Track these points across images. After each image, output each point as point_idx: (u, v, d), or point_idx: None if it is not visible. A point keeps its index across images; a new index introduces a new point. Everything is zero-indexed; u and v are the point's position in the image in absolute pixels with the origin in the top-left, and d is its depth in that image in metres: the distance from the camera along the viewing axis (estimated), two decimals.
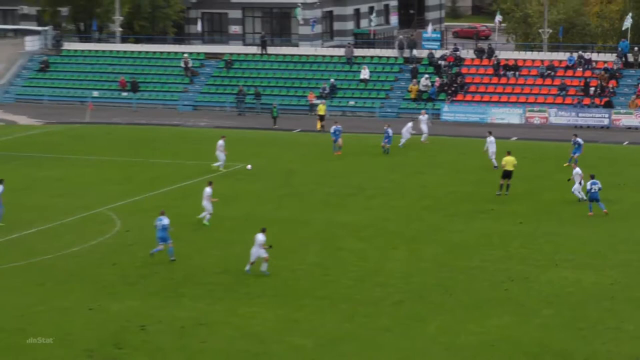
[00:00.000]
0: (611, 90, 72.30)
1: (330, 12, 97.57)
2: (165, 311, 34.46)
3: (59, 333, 32.06)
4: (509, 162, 49.33)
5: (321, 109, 70.73)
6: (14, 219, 47.56)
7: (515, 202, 50.31)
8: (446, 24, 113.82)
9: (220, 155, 54.61)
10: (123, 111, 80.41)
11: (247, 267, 37.13)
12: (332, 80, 77.71)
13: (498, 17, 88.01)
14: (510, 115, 72.04)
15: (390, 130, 60.32)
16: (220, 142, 54.69)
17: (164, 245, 39.31)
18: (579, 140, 54.97)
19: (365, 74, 77.81)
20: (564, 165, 56.45)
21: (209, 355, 30.77)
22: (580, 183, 47.17)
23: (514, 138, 65.37)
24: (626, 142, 65.21)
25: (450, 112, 73.52)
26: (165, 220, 39.49)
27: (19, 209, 49.56)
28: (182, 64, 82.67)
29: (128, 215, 48.10)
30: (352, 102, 77.24)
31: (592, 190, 45.43)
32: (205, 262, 40.99)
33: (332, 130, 61.24)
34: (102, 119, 76.83)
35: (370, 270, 39.62)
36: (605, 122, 70.25)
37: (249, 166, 52.08)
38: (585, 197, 46.66)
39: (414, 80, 75.87)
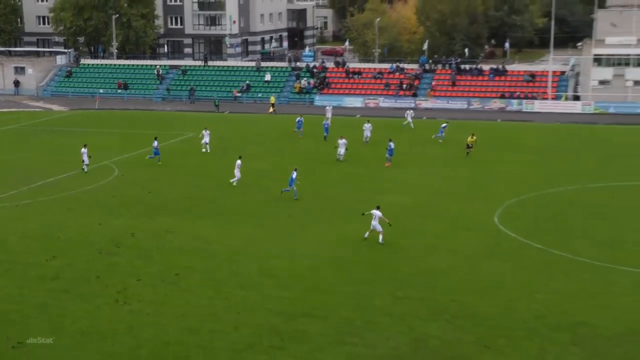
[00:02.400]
0: (416, 86, 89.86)
1: (246, 39, 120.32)
2: (147, 224, 41.77)
3: (80, 238, 39.25)
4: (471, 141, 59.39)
5: (272, 99, 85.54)
6: (50, 169, 55.74)
7: (362, 158, 58.59)
8: (317, 46, 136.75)
9: (237, 172, 50.66)
10: (119, 102, 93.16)
11: (366, 234, 38.34)
12: (247, 81, 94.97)
13: (347, 42, 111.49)
14: (356, 101, 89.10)
15: (302, 119, 69.20)
16: (238, 162, 50.85)
17: (291, 189, 45.94)
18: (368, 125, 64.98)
19: (268, 77, 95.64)
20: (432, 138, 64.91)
21: (172, 249, 37.55)
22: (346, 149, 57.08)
23: (358, 115, 78.27)
24: (425, 117, 77.79)
25: (320, 100, 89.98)
26: (294, 174, 45.96)
27: (54, 162, 57.93)
28: (155, 72, 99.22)
29: (123, 166, 56.65)
30: (259, 95, 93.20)
31: (388, 149, 55.78)
32: (173, 194, 48.45)
33: (298, 121, 68.85)
34: (106, 106, 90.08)
35: (275, 196, 46.92)
36: (412, 105, 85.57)
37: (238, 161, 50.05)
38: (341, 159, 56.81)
39: (298, 81, 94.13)
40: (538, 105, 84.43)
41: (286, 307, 30.71)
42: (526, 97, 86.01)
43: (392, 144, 56.02)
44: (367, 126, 64.91)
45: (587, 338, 27.96)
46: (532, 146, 63.84)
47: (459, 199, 47.29)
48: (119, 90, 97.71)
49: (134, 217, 43.61)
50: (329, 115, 73.28)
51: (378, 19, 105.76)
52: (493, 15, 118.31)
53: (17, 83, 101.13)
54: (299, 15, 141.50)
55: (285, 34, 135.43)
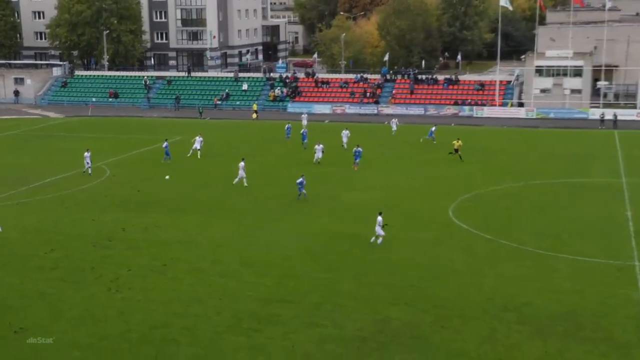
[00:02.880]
0: (378, 95, 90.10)
1: (225, 52, 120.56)
2: (136, 220, 41.80)
3: (76, 233, 39.17)
4: (455, 144, 58.09)
5: (255, 106, 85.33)
6: (47, 170, 55.47)
7: (336, 160, 56.21)
8: (289, 58, 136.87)
9: (241, 172, 49.59)
10: (110, 109, 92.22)
11: (372, 240, 36.78)
12: (226, 90, 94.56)
13: (315, 55, 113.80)
14: (324, 108, 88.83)
15: (290, 126, 67.49)
16: (242, 163, 49.76)
17: (302, 193, 45.00)
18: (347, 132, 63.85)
19: (245, 86, 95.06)
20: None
21: (160, 242, 37.64)
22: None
23: (327, 121, 78.36)
24: (386, 122, 77.01)
25: (292, 107, 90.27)
26: (302, 179, 44.75)
27: (50, 165, 57.68)
28: (143, 82, 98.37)
29: (114, 167, 56.37)
30: (238, 102, 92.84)
31: (356, 153, 54.66)
32: (161, 193, 48.21)
33: (287, 128, 66.55)
34: (98, 113, 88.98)
35: (248, 192, 47.02)
36: (375, 111, 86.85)
37: (167, 177, 46.42)
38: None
39: (272, 90, 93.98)
40: (487, 112, 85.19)
41: (263, 293, 30.80)
42: (476, 104, 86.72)
43: (360, 149, 55.27)
44: (345, 132, 64.09)
45: (531, 317, 28.36)
46: (482, 148, 64.27)
47: (417, 196, 47.61)
48: (110, 99, 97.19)
49: (125, 214, 43.57)
50: (304, 122, 72.62)
51: (344, 34, 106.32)
52: (446, 31, 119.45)
53: (16, 93, 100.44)
54: (272, 30, 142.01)
55: (260, 47, 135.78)
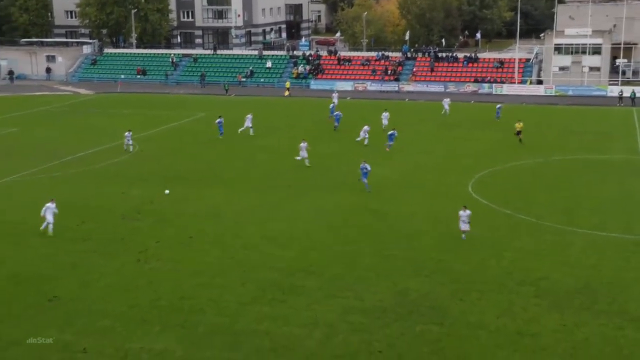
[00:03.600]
0: (399, 72, 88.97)
1: (249, 31, 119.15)
2: (163, 194, 41.61)
3: (106, 206, 39.37)
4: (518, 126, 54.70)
5: (288, 84, 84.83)
6: (78, 145, 55.89)
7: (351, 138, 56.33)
8: (312, 36, 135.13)
9: (303, 153, 48.04)
10: (138, 85, 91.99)
11: (463, 236, 33.37)
12: (251, 68, 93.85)
13: (338, 34, 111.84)
14: (346, 85, 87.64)
15: (334, 105, 65.75)
16: (304, 144, 48.26)
17: (365, 180, 41.53)
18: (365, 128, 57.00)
19: (269, 64, 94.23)
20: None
21: (186, 215, 37.73)
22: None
23: (349, 98, 76.30)
24: (407, 99, 77.56)
25: (315, 84, 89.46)
26: (367, 166, 41.55)
27: (81, 140, 58.02)
28: (170, 60, 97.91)
29: (142, 142, 56.36)
30: (262, 80, 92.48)
31: (390, 136, 51.94)
32: (187, 167, 48.31)
33: (336, 115, 62.11)
34: (126, 90, 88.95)
35: (272, 167, 47.13)
36: (396, 89, 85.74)
37: (166, 191, 41.51)
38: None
39: (295, 67, 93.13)
40: (506, 89, 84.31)
41: (285, 265, 30.84)
42: (496, 82, 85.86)
43: (395, 132, 52.52)
44: (385, 115, 60.34)
45: (549, 291, 28.21)
46: (501, 125, 63.63)
47: (437, 171, 47.33)
48: (138, 76, 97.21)
49: (153, 187, 43.66)
50: (335, 100, 70.88)
51: (365, 13, 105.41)
52: (466, 10, 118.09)
53: (48, 70, 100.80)
54: (295, 9, 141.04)
55: (284, 26, 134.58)
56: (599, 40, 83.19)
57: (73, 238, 34.53)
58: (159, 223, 36.79)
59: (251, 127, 58.61)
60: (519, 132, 54.75)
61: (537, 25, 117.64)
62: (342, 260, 31.35)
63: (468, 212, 33.48)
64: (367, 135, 54.72)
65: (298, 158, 48.09)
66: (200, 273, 30.04)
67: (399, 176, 45.48)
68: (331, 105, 66.63)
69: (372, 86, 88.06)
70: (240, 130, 58.64)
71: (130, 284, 28.88)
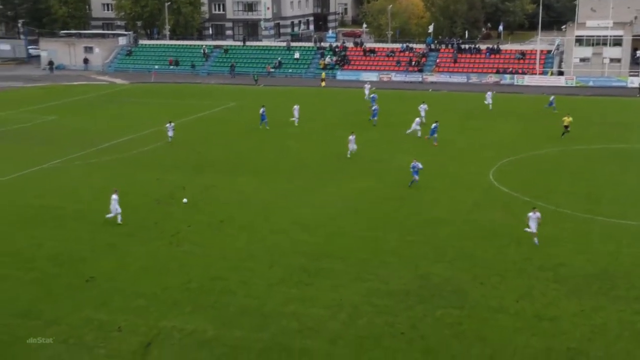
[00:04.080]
0: (422, 63, 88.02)
1: (278, 23, 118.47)
2: (195, 180, 42.05)
3: (142, 190, 39.46)
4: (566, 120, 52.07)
5: (323, 75, 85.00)
6: (114, 132, 56.23)
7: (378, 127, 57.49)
8: (338, 29, 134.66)
9: (352, 146, 46.70)
10: (171, 76, 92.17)
11: (535, 241, 31.00)
12: (279, 59, 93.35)
13: (364, 26, 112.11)
14: (372, 76, 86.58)
15: (376, 96, 64.66)
16: (352, 137, 46.94)
17: (415, 178, 39.41)
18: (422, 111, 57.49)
19: (297, 55, 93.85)
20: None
21: (217, 199, 38.01)
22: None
23: (374, 88, 74.19)
24: (430, 90, 76.78)
25: (342, 75, 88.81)
26: (419, 164, 39.44)
27: (116, 128, 58.24)
28: (201, 51, 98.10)
29: (175, 130, 54.34)
30: (290, 70, 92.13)
31: (433, 128, 50.36)
32: (218, 155, 48.45)
33: (372, 98, 62.91)
34: (160, 80, 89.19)
35: (300, 155, 47.36)
36: (420, 79, 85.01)
37: (184, 200, 37.96)
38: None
39: (322, 58, 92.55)
40: (527, 80, 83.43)
41: (312, 249, 30.89)
42: (517, 73, 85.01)
43: (436, 124, 50.64)
44: (423, 107, 58.32)
45: (567, 277, 28.01)
46: (522, 114, 63.15)
47: (460, 160, 47.03)
48: (171, 66, 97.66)
49: (185, 174, 43.87)
50: (367, 92, 70.02)
51: (390, 6, 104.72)
52: (489, 2, 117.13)
53: (86, 60, 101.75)
54: (323, 2, 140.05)
55: (311, 18, 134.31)
56: (619, 32, 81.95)
57: (109, 222, 34.76)
58: (191, 208, 36.90)
59: (297, 118, 58.28)
60: (566, 127, 51.86)
61: (558, 17, 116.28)
62: (366, 245, 31.34)
63: (538, 214, 31.25)
64: (419, 127, 52.40)
65: (350, 150, 46.58)
66: (229, 256, 30.19)
67: (424, 164, 44.89)
68: (372, 95, 64.87)
69: (396, 77, 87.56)
70: (295, 120, 58.22)
71: (163, 267, 29.09)
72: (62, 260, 29.90)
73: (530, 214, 31.22)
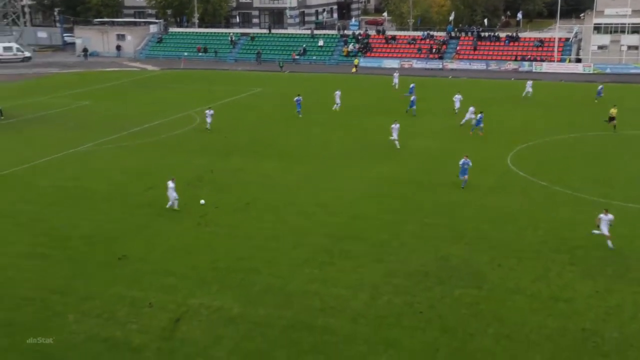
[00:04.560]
0: (443, 51, 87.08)
1: (303, 11, 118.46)
2: (222, 164, 42.15)
3: (173, 174, 37.39)
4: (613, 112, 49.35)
5: (356, 61, 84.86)
6: (145, 117, 56.27)
7: (401, 113, 56.88)
8: (361, 17, 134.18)
9: (395, 134, 45.20)
10: (199, 63, 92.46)
11: (610, 245, 28.31)
12: (304, 46, 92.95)
13: (386, 14, 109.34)
14: (393, 63, 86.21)
15: (413, 85, 62.39)
16: (396, 125, 45.65)
17: (465, 177, 36.62)
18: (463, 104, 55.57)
19: (321, 42, 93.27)
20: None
21: (243, 183, 37.99)
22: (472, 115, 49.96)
23: (396, 73, 72.74)
24: (450, 77, 76.16)
25: (364, 62, 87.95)
26: (468, 161, 36.37)
27: (147, 113, 58.40)
28: (229, 38, 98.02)
29: (202, 115, 55.49)
30: (314, 57, 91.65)
31: (479, 119, 48.46)
32: (244, 139, 48.37)
33: (410, 88, 61.14)
34: (189, 66, 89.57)
35: (324, 141, 47.15)
36: (440, 66, 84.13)
37: (202, 201, 34.84)
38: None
39: (345, 45, 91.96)
40: (546, 67, 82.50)
41: (334, 231, 30.85)
42: (536, 60, 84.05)
43: (481, 115, 48.66)
44: (458, 97, 56.19)
45: (583, 259, 27.76)
46: (540, 101, 62.43)
47: (478, 144, 46.61)
48: (200, 53, 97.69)
49: (213, 157, 43.97)
50: (396, 80, 69.25)
51: None
52: None
53: (118, 47, 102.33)
54: None
55: (335, 6, 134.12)
56: (637, 20, 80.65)
57: (140, 203, 34.97)
58: (218, 190, 36.99)
59: (338, 104, 56.89)
60: (612, 118, 48.99)
61: (577, 5, 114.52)
62: (387, 227, 31.26)
63: (610, 216, 28.51)
64: (474, 116, 49.78)
65: (392, 138, 45.51)
66: (255, 236, 30.23)
67: (441, 148, 44.91)
68: (411, 85, 62.82)
69: (417, 64, 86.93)
70: (336, 107, 57.39)
71: (191, 246, 29.20)
72: (95, 240, 30.11)
73: (602, 215, 28.43)
